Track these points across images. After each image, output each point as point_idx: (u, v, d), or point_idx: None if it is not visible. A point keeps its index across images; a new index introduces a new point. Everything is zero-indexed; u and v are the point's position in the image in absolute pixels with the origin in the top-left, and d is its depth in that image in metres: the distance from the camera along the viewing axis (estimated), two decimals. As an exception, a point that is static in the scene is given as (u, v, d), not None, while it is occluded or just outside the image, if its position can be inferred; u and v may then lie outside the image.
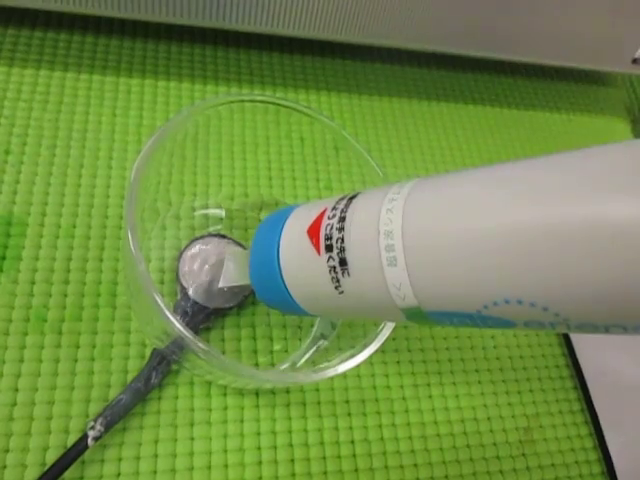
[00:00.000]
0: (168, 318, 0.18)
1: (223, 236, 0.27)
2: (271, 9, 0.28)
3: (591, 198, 0.11)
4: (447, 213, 0.14)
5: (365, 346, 0.20)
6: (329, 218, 0.17)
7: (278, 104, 0.26)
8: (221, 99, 0.25)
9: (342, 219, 0.16)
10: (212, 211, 0.27)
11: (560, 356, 0.28)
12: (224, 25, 0.29)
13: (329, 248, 0.16)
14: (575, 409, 0.27)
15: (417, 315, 0.15)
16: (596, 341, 0.28)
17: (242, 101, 0.26)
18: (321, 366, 0.21)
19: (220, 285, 0.24)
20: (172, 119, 0.22)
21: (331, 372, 0.20)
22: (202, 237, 0.26)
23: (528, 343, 0.28)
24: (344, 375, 0.25)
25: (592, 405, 0.27)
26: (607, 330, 0.12)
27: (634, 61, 0.36)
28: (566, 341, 0.28)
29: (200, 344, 0.18)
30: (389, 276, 0.14)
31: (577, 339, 0.28)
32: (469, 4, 0.30)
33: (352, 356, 0.20)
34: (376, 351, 0.20)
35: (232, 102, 0.25)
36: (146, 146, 0.21)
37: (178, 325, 0.18)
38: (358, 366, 0.20)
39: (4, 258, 0.24)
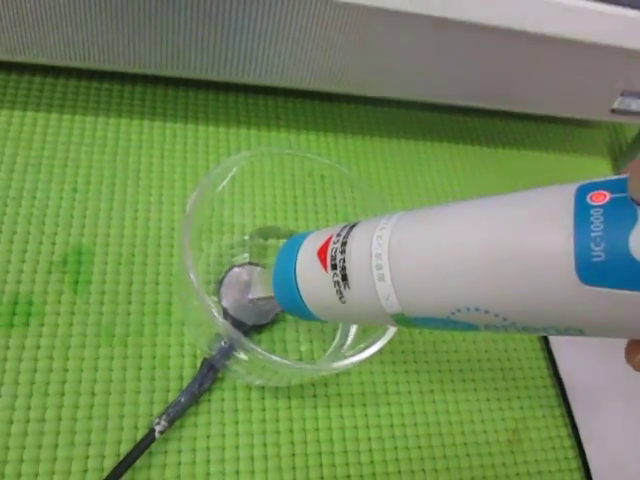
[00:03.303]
0: (226, 326, 0.23)
1: (257, 264, 0.31)
2: (294, 70, 0.33)
3: (522, 234, 0.16)
4: (421, 241, 0.18)
5: (372, 344, 0.25)
6: (334, 243, 0.21)
7: (301, 156, 0.31)
8: (255, 151, 0.29)
9: (344, 244, 0.21)
10: (248, 242, 0.32)
11: (544, 368, 0.33)
12: (253, 81, 0.34)
13: (334, 267, 0.21)
14: (556, 414, 0.32)
15: (403, 320, 0.19)
16: (574, 355, 0.33)
17: (272, 153, 0.31)
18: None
19: (250, 297, 0.28)
20: (213, 169, 0.27)
21: (347, 362, 0.24)
22: (240, 265, 0.31)
23: (517, 357, 0.33)
24: (361, 382, 0.30)
25: (570, 410, 0.31)
26: (564, 333, 0.17)
27: (612, 111, 0.41)
28: (549, 355, 0.33)
29: (248, 342, 0.22)
30: (379, 289, 0.19)
31: (558, 354, 0.33)
32: (472, 69, 0.35)
33: (364, 349, 0.24)
34: (383, 347, 0.24)
35: (263, 154, 0.30)
36: (197, 189, 0.26)
37: (235, 330, 0.23)
38: (370, 358, 0.24)
39: (77, 282, 0.29)
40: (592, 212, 0.15)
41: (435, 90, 0.36)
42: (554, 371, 0.33)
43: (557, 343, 0.33)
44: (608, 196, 0.15)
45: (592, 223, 0.14)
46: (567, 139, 0.45)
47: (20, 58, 0.31)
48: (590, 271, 0.14)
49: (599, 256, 0.14)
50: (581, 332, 0.16)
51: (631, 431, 0.32)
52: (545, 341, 0.34)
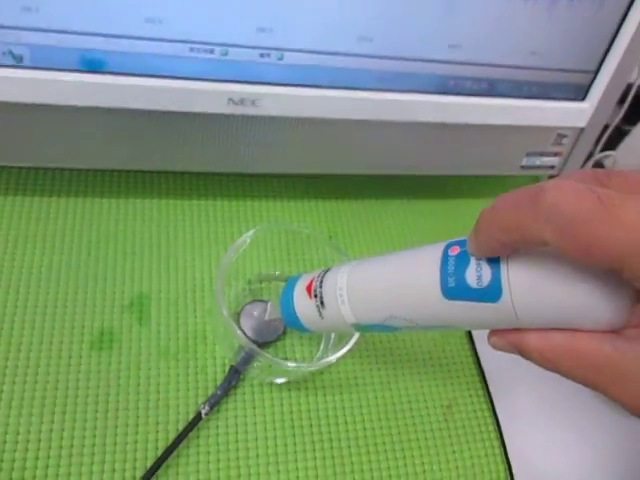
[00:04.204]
0: (246, 341, 0.36)
1: (264, 300, 0.45)
2: (285, 162, 0.47)
3: (416, 272, 0.27)
4: (364, 278, 0.31)
5: (344, 347, 0.38)
6: (315, 281, 0.34)
7: (293, 229, 0.45)
8: (259, 228, 0.43)
9: (321, 282, 0.33)
10: (257, 285, 0.46)
11: (471, 363, 0.46)
12: (255, 171, 0.48)
13: (315, 296, 0.32)
14: (479, 394, 0.45)
15: (358, 327, 0.32)
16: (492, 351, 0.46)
17: (271, 227, 0.45)
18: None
19: (266, 318, 0.41)
20: (232, 244, 0.41)
21: (328, 360, 0.38)
22: (252, 301, 0.44)
23: (452, 355, 0.46)
24: (339, 378, 0.43)
25: (489, 391, 0.44)
26: (447, 328, 0.29)
27: (522, 167, 0.55)
28: (474, 353, 0.46)
29: (262, 352, 0.36)
30: (342, 309, 0.31)
31: (480, 351, 0.46)
32: (407, 151, 0.49)
33: (339, 350, 0.38)
34: (352, 349, 0.38)
35: (265, 229, 0.44)
36: (223, 258, 0.39)
37: (252, 344, 0.36)
38: (343, 356, 0.37)
39: (141, 318, 0.42)
40: (449, 259, 0.26)
41: (383, 166, 0.51)
42: (478, 364, 0.46)
43: (479, 342, 0.46)
44: (459, 250, 0.26)
45: (448, 266, 0.26)
46: (497, 186, 0.59)
47: (93, 166, 0.46)
48: (448, 292, 0.25)
49: (452, 284, 0.25)
50: (454, 327, 0.29)
51: (535, 404, 0.45)
52: (471, 342, 0.47)
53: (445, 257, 0.26)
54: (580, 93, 0.51)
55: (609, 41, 0.49)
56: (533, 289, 0.23)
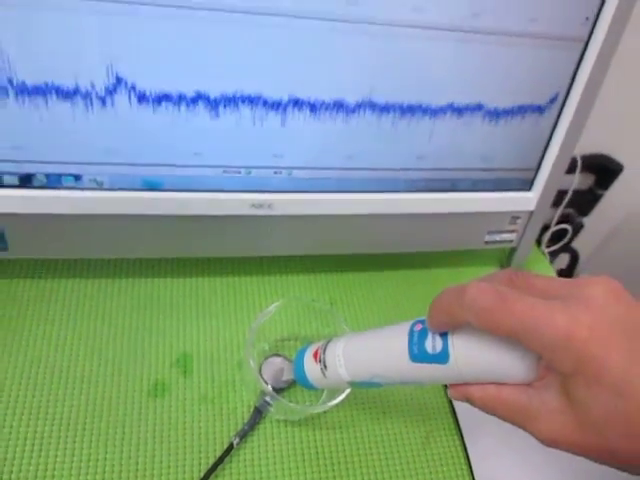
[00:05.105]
0: (267, 388, 0.49)
1: (280, 355, 0.57)
2: (290, 247, 0.61)
3: (391, 344, 0.40)
4: (354, 347, 0.43)
5: (340, 395, 0.50)
6: (320, 349, 0.45)
7: (303, 301, 0.58)
8: (279, 303, 0.55)
9: (324, 350, 0.45)
10: (275, 344, 0.58)
11: (446, 403, 0.58)
12: (269, 253, 0.62)
13: (320, 361, 0.42)
14: (452, 427, 0.56)
15: (353, 384, 0.43)
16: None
17: (290, 301, 0.58)
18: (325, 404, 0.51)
19: (283, 379, 0.54)
20: (257, 317, 0.54)
21: (329, 405, 0.49)
22: (271, 356, 0.57)
23: (429, 398, 0.58)
24: (338, 418, 0.55)
25: (459, 425, 0.55)
26: (418, 384, 0.41)
27: (485, 242, 0.68)
28: (447, 397, 0.58)
29: (278, 396, 0.48)
30: (340, 371, 0.43)
31: (451, 393, 0.57)
32: (401, 232, 0.63)
33: (336, 398, 0.50)
34: (346, 398, 0.50)
35: (287, 302, 0.57)
36: (250, 328, 0.52)
37: (272, 391, 0.48)
38: (341, 403, 0.49)
39: (185, 372, 0.55)
40: (414, 333, 0.34)
41: (371, 246, 0.64)
42: (451, 404, 0.57)
43: (451, 388, 0.58)
44: (421, 326, 0.34)
45: (414, 338, 0.34)
46: (468, 257, 0.72)
47: (145, 255, 0.60)
48: (413, 357, 0.34)
49: (416, 351, 0.33)
50: (422, 383, 0.38)
51: (497, 436, 0.56)
52: (446, 388, 0.58)
53: (411, 332, 0.35)
54: (526, 185, 0.65)
55: (545, 144, 0.63)
56: (469, 354, 0.31)
